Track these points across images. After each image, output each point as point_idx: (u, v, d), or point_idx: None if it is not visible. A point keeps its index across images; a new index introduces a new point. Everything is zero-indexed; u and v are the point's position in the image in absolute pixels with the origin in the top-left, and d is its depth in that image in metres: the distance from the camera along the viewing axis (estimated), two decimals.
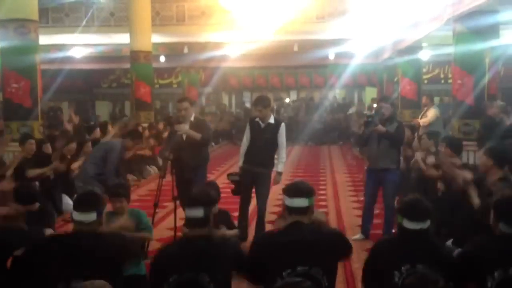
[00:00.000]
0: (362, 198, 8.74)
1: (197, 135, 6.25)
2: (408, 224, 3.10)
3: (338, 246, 3.29)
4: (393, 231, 6.68)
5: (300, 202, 3.21)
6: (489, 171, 4.70)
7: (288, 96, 23.35)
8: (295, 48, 16.94)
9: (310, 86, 22.80)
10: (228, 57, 18.25)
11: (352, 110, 20.01)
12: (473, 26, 8.09)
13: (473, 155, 7.84)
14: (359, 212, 7.82)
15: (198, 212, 3.14)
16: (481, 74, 8.21)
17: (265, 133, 6.22)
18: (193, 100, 7.34)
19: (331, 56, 18.67)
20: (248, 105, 22.53)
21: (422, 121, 10.87)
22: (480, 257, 3.03)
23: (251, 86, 22.91)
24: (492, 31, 8.29)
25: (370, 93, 22.55)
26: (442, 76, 21.29)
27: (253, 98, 23.40)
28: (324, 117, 19.28)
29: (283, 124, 6.37)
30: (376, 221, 7.16)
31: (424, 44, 14.39)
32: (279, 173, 6.37)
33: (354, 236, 6.57)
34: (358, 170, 11.58)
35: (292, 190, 3.27)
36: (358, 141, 6.80)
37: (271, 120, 6.27)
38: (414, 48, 13.74)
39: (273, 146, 6.27)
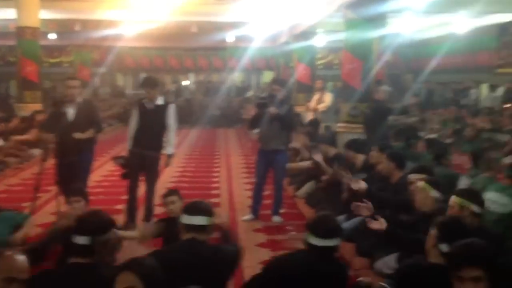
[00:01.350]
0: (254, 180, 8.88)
1: (89, 134, 6.00)
2: (315, 241, 3.12)
3: (231, 265, 3.27)
4: (281, 210, 6.84)
5: (200, 220, 3.16)
6: (392, 173, 5.17)
7: (187, 78, 23.10)
8: (194, 30, 16.73)
9: (209, 69, 22.69)
10: (123, 36, 17.69)
11: (249, 94, 20.19)
12: (362, 13, 8.36)
13: (359, 136, 8.15)
14: (250, 194, 7.92)
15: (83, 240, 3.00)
16: (369, 60, 8.52)
17: (153, 114, 6.05)
18: (84, 81, 7.00)
19: (230, 39, 18.66)
20: None
21: (321, 107, 11.12)
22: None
23: (149, 67, 22.41)
24: (380, 19, 8.61)
25: (268, 77, 22.84)
26: (336, 62, 21.97)
27: None
28: (222, 100, 19.30)
29: (172, 105, 6.24)
30: (266, 201, 7.29)
31: (318, 30, 14.75)
32: (169, 156, 6.23)
33: (244, 216, 6.62)
34: (253, 152, 11.67)
35: (192, 208, 3.23)
36: (249, 122, 6.80)
37: (160, 101, 6.11)
38: (308, 33, 14.04)
39: (162, 128, 6.11)
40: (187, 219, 3.17)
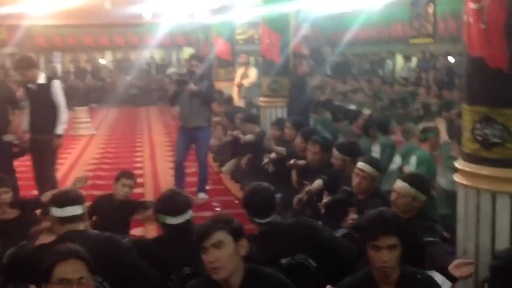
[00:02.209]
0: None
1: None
2: (171, 220, 3.03)
3: (110, 251, 2.96)
4: (207, 187, 6.83)
5: (74, 210, 2.98)
6: (347, 167, 4.83)
7: (103, 56, 22.37)
8: (107, 5, 16.17)
9: (126, 46, 22.03)
10: (33, 14, 16.83)
11: (170, 71, 19.85)
12: None
13: (281, 110, 8.24)
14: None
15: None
16: (287, 34, 8.56)
17: (37, 96, 5.75)
18: None
19: (147, 15, 18.19)
20: (57, 65, 21.19)
21: (246, 82, 11.07)
22: None
23: (62, 46, 21.49)
24: None
25: (188, 53, 22.52)
26: (256, 36, 21.97)
27: (64, 58, 22.06)
28: (142, 78, 18.86)
29: (56, 82, 5.92)
30: (191, 178, 7.26)
31: (236, 4, 14.64)
32: (58, 136, 5.88)
33: None
34: (177, 130, 11.59)
35: (62, 199, 3.03)
36: (169, 100, 6.69)
37: (41, 80, 5.79)
38: (227, 8, 13.91)
39: (51, 108, 5.79)
40: (59, 212, 2.97)
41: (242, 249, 2.43)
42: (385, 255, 2.40)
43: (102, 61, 21.66)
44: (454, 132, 4.98)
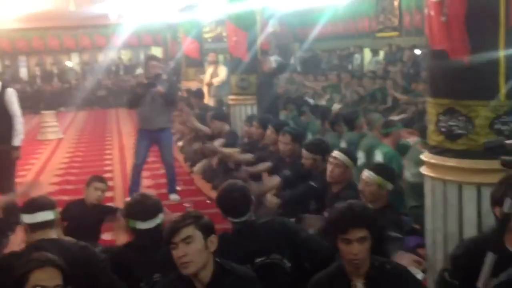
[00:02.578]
0: (150, 159, 8.72)
1: None
2: (141, 225, 2.97)
3: (83, 261, 2.89)
4: (178, 188, 6.79)
5: (44, 215, 2.90)
6: (318, 165, 4.83)
7: (69, 59, 22.04)
8: (72, 7, 15.92)
9: (92, 48, 21.76)
10: None
11: (139, 71, 19.66)
12: None
13: (250, 108, 8.23)
14: (146, 174, 7.78)
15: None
16: (254, 31, 8.56)
17: None
18: None
19: (112, 15, 17.97)
20: (23, 69, 20.82)
21: (215, 81, 11.00)
22: None
23: (27, 49, 21.12)
24: None
25: (156, 53, 22.33)
26: (225, 34, 21.92)
27: (30, 62, 21.66)
28: (110, 79, 18.65)
29: (9, 90, 5.65)
30: (162, 180, 7.22)
31: (203, 3, 14.57)
32: (15, 148, 5.65)
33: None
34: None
35: (33, 205, 2.95)
36: (130, 102, 6.52)
37: None
38: (193, 6, 13.84)
39: (6, 118, 5.56)
40: (30, 218, 2.90)
41: (212, 245, 2.45)
42: (355, 248, 2.41)
43: (68, 64, 21.34)
44: (419, 125, 5.04)
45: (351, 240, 2.43)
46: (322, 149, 4.50)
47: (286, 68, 10.36)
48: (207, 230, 2.45)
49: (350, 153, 4.14)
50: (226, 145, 6.85)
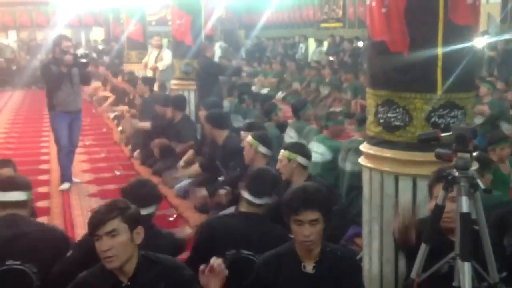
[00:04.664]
0: (88, 143, 8.50)
1: None
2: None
3: (52, 241, 2.95)
4: (117, 172, 6.65)
5: (17, 195, 2.92)
6: (216, 135, 5.19)
7: (7, 36, 21.17)
8: None
9: (32, 26, 21.00)
10: None
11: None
12: None
13: (193, 94, 8.12)
14: (84, 157, 7.58)
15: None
16: (199, 15, 8.43)
17: None
18: None
19: None
20: None
21: (161, 65, 10.76)
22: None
23: None
24: None
25: (98, 33, 21.77)
26: (169, 17, 21.56)
27: None
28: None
29: None
30: (101, 164, 7.06)
31: None
32: None
33: (63, 185, 6.21)
34: (85, 113, 11.17)
35: (6, 184, 2.97)
36: (56, 82, 6.15)
37: None
38: None
39: None
40: (2, 196, 2.91)
41: (138, 237, 2.38)
42: (307, 230, 2.43)
43: (5, 41, 20.50)
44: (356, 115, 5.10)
45: (303, 222, 2.45)
46: (254, 128, 4.77)
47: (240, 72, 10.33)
48: (133, 222, 2.36)
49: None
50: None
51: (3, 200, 2.91)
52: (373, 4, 2.99)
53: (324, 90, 11.56)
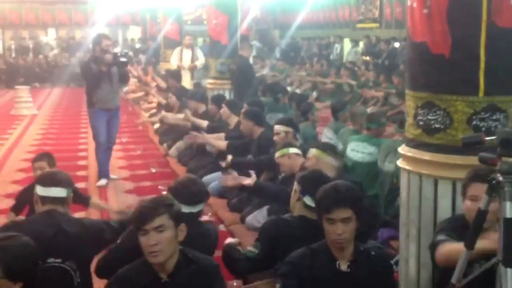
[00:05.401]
0: (125, 140, 8.63)
1: None
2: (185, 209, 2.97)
3: (92, 238, 2.98)
4: (153, 170, 6.72)
5: (58, 192, 2.94)
6: (252, 130, 5.26)
7: (46, 34, 21.63)
8: None
9: (70, 24, 21.40)
10: None
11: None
12: None
13: (229, 92, 8.17)
14: (121, 154, 7.70)
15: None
16: (235, 15, 8.47)
17: None
18: None
19: None
20: None
21: (200, 63, 10.86)
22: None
23: (2, 22, 20.66)
24: None
25: (135, 32, 22.06)
26: (204, 17, 21.71)
27: (5, 35, 21.20)
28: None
29: None
30: (137, 161, 7.15)
31: None
32: None
33: (100, 181, 6.31)
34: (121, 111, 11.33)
35: (48, 179, 2.98)
36: (95, 80, 6.22)
37: None
38: None
39: None
40: (43, 191, 2.93)
41: (181, 234, 2.42)
42: (340, 228, 2.43)
43: (44, 39, 20.95)
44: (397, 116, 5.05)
45: (335, 220, 2.44)
46: (294, 124, 4.91)
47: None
48: (178, 219, 2.42)
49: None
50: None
51: (43, 195, 2.93)
52: (414, 5, 2.96)
53: (358, 91, 11.48)
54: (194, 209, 2.97)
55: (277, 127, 4.84)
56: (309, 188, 2.92)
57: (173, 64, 10.78)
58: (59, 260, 2.80)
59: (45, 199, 2.93)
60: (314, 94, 12.48)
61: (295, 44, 19.19)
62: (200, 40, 18.78)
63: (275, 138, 4.81)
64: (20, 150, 8.21)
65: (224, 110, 6.22)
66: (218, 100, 6.84)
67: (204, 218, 5.18)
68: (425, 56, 2.91)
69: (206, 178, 5.76)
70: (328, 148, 3.80)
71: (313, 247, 2.59)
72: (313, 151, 3.74)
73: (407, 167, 2.99)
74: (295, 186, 3.05)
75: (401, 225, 3.09)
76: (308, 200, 2.93)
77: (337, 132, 5.73)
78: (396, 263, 3.10)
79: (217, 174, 5.72)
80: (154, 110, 9.92)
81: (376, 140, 4.88)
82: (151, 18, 18.47)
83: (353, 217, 2.46)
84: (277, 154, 4.22)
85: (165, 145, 7.83)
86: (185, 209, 2.84)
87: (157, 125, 9.11)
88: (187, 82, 10.31)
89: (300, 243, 2.64)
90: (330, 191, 2.51)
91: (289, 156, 4.14)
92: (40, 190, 2.93)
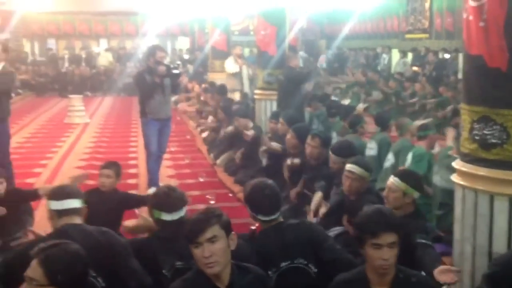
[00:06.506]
0: (173, 149, 8.76)
1: None
2: (167, 217, 3.00)
3: (116, 249, 2.95)
4: (201, 179, 6.82)
5: (71, 203, 2.95)
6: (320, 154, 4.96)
7: (98, 44, 22.24)
8: None
9: (121, 34, 21.96)
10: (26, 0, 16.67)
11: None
12: None
13: (276, 103, 8.19)
14: (169, 163, 7.82)
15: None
16: (283, 26, 8.52)
17: None
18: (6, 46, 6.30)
19: (142, 4, 18.08)
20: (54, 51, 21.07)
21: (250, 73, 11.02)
22: None
23: (57, 32, 21.37)
24: None
25: (183, 42, 22.44)
26: (251, 27, 21.90)
27: (59, 45, 21.90)
28: (137, 67, 18.74)
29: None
30: (185, 170, 7.22)
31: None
32: None
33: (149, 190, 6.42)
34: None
35: (60, 193, 3.01)
36: (148, 91, 6.35)
37: None
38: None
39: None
40: (57, 205, 2.95)
41: (232, 243, 2.44)
42: (386, 253, 2.38)
43: (96, 49, 21.53)
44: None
45: (382, 245, 2.40)
46: (350, 153, 4.41)
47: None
48: (228, 228, 2.44)
49: (364, 164, 3.98)
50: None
51: (59, 209, 2.93)
52: (470, 17, 2.93)
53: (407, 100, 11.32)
54: (176, 216, 3.01)
55: (334, 158, 4.47)
56: None
57: (230, 70, 10.95)
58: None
59: (61, 213, 2.93)
60: (361, 105, 12.38)
61: (342, 55, 19.11)
62: (246, 51, 18.93)
63: (331, 165, 4.52)
64: (73, 157, 8.44)
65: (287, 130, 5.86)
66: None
67: (252, 228, 5.26)
68: (481, 69, 2.87)
69: None
70: (416, 182, 3.45)
71: (349, 276, 2.55)
72: (400, 185, 3.35)
73: (462, 182, 2.95)
74: None
75: (455, 242, 3.04)
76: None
77: (380, 144, 5.66)
78: None
79: None
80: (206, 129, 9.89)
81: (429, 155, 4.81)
82: (199, 29, 18.75)
83: (397, 242, 2.42)
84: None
85: (212, 155, 7.92)
86: (168, 217, 2.95)
87: (204, 134, 9.24)
88: (247, 87, 10.52)
89: None
90: (376, 215, 2.46)
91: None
92: (54, 205, 2.95)
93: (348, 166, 3.88)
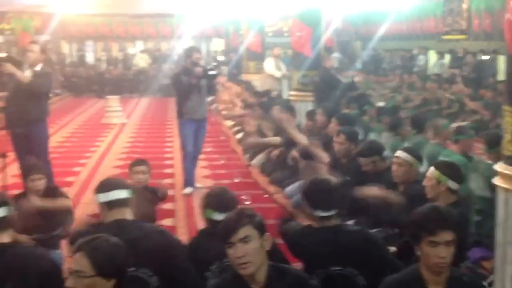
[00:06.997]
0: (208, 150, 8.83)
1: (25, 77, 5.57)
2: (218, 216, 2.96)
3: (174, 251, 2.99)
4: (236, 180, 6.85)
5: (119, 193, 2.96)
6: (378, 166, 4.76)
7: (134, 46, 22.56)
8: None
9: (157, 36, 22.22)
10: (63, 2, 16.98)
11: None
12: None
13: (311, 105, 8.18)
14: (204, 164, 7.88)
15: None
16: (319, 27, 8.51)
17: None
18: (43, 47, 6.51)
19: (178, 6, 18.23)
20: (90, 54, 21.47)
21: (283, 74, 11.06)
22: None
23: (94, 34, 21.76)
24: None
25: (218, 44, 22.57)
26: (285, 29, 21.88)
27: (97, 47, 22.30)
28: (172, 68, 18.94)
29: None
30: (220, 171, 7.26)
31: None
32: None
33: (186, 189, 6.48)
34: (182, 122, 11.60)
35: (105, 185, 3.02)
36: (185, 92, 6.42)
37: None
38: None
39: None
40: (105, 197, 2.96)
41: (267, 244, 2.43)
42: (443, 251, 2.35)
43: (131, 51, 21.84)
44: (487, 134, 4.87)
45: (439, 243, 2.36)
46: (377, 149, 4.50)
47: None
48: (262, 228, 2.43)
49: (413, 152, 4.06)
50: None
51: (108, 200, 2.94)
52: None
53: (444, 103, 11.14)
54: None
55: (363, 161, 4.48)
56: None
57: (270, 72, 11.00)
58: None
59: (110, 204, 2.94)
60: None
61: (377, 56, 18.93)
62: (281, 52, 18.93)
63: (364, 168, 4.49)
64: (111, 157, 8.60)
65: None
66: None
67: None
68: None
69: (289, 189, 5.81)
70: (451, 170, 3.48)
71: (403, 276, 2.51)
72: (434, 173, 3.43)
73: (505, 185, 2.90)
74: None
75: (497, 245, 2.99)
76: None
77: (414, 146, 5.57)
78: (490, 284, 3.00)
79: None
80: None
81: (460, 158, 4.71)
82: (234, 30, 18.85)
83: (454, 240, 2.39)
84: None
85: (247, 155, 7.95)
86: (219, 216, 2.89)
87: (240, 135, 9.28)
88: (286, 89, 10.56)
89: None
90: (433, 213, 2.44)
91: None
92: (103, 197, 2.96)
93: (397, 152, 4.01)
